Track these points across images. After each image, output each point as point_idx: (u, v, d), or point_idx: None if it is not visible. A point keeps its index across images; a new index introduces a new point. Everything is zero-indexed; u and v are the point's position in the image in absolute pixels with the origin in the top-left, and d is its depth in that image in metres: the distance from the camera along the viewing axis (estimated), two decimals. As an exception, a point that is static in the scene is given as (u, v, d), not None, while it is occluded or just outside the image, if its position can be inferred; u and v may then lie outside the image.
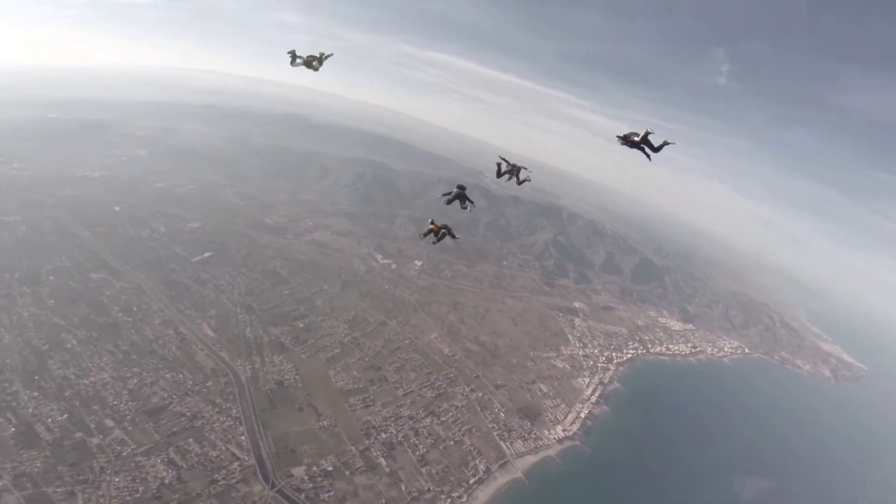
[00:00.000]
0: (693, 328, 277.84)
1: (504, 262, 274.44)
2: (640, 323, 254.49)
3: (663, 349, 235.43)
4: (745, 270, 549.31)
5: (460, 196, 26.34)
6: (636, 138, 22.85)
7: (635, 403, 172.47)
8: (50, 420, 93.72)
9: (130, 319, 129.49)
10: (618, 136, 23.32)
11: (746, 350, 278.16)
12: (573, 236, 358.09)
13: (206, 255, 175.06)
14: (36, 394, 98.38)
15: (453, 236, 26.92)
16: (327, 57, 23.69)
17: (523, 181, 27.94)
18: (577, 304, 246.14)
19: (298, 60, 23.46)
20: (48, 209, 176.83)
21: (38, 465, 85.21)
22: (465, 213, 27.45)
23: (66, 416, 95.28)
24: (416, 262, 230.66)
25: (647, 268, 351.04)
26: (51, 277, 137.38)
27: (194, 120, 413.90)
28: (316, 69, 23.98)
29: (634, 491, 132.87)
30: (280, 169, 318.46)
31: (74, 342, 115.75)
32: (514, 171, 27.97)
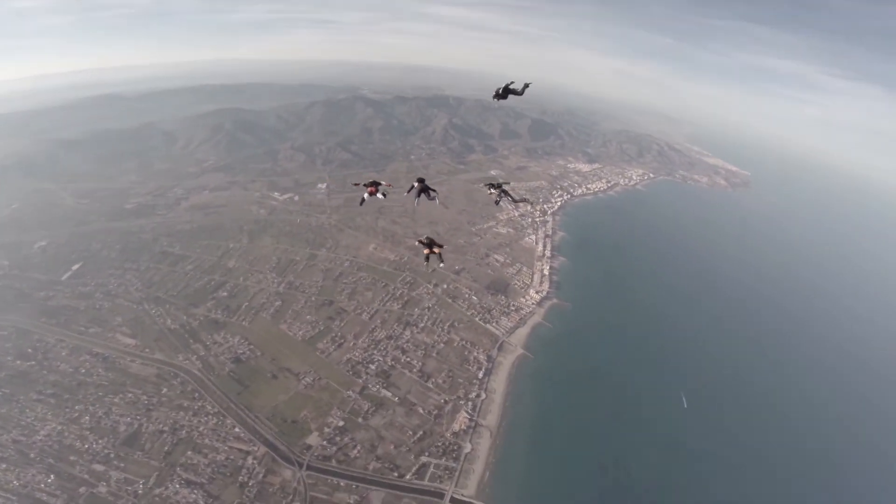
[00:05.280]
0: (599, 166, 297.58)
1: (412, 157, 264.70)
2: (554, 173, 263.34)
3: (584, 190, 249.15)
4: (620, 113, 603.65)
5: (423, 189, 29.36)
6: (500, 91, 29.59)
7: (586, 246, 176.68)
8: (42, 485, 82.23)
9: (34, 362, 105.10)
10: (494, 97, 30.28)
11: (651, 175, 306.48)
12: (466, 117, 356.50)
13: (75, 267, 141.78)
14: (3, 466, 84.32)
15: (441, 246, 29.94)
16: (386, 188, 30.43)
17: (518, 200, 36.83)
18: (493, 172, 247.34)
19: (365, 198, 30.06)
20: None
21: (70, 531, 73.09)
22: (432, 202, 30.94)
23: (52, 476, 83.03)
24: (319, 185, 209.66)
25: (541, 126, 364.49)
26: None
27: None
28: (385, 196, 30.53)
29: (631, 334, 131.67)
30: (114, 152, 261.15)
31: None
32: (503, 194, 33.04)
